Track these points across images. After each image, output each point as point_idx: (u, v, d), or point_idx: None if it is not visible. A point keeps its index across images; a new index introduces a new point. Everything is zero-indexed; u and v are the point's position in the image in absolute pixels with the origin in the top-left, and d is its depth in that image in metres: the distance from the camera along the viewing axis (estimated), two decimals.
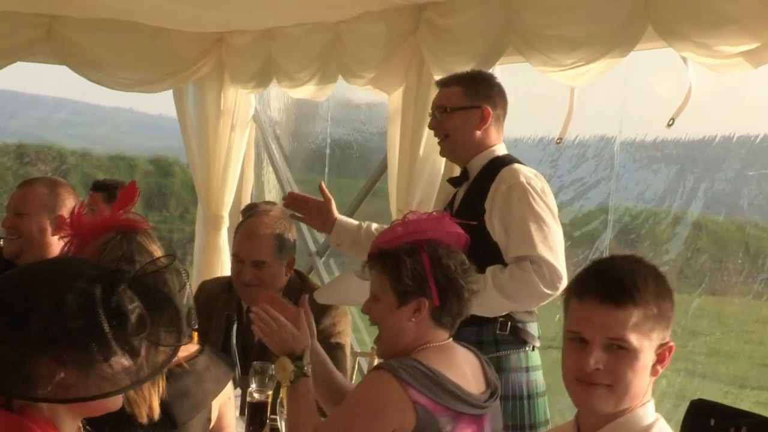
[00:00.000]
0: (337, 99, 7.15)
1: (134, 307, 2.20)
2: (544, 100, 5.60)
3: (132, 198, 3.30)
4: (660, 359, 2.68)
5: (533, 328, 4.22)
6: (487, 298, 3.91)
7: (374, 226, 4.70)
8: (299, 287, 4.62)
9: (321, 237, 7.28)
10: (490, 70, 5.18)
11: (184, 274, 2.42)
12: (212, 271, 7.23)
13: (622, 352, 2.61)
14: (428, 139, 5.49)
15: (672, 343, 2.72)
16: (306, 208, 4.72)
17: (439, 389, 3.19)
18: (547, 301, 4.11)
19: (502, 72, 5.44)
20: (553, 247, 4.02)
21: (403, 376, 3.15)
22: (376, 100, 6.55)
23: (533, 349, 4.20)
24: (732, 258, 4.14)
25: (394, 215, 5.73)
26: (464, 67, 5.17)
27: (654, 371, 2.68)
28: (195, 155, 7.51)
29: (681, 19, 4.13)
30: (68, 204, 4.82)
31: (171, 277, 2.34)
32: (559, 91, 5.02)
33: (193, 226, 7.94)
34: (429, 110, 4.49)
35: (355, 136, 7.36)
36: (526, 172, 4.15)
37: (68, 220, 3.26)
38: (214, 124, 7.41)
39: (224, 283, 4.78)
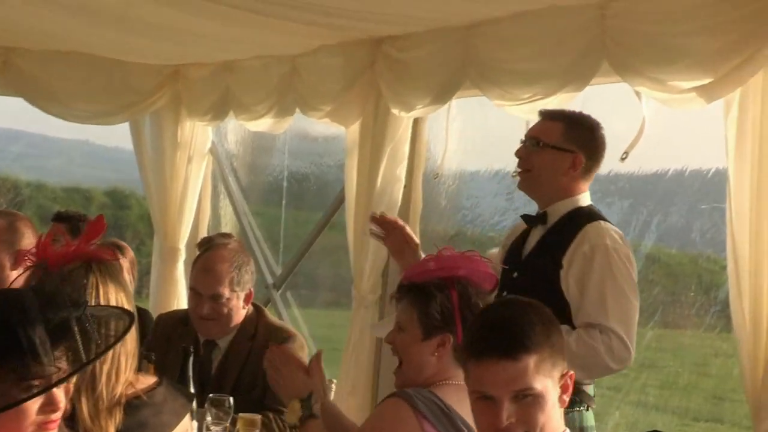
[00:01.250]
0: (295, 132, 7.16)
1: None
2: (500, 134, 5.63)
3: (100, 232, 3.28)
4: (564, 389, 2.76)
5: (590, 389, 4.06)
6: None
7: None
8: (255, 320, 4.60)
9: (278, 269, 7.28)
10: (447, 104, 5.23)
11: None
12: (169, 304, 7.20)
13: (529, 400, 2.67)
14: (385, 171, 5.52)
15: (572, 372, 2.78)
16: (392, 232, 4.46)
17: (451, 426, 3.21)
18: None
19: (459, 105, 5.50)
20: (627, 322, 3.88)
21: (420, 408, 3.19)
22: (334, 133, 6.57)
23: (588, 409, 4.03)
24: (685, 291, 4.18)
25: (352, 248, 5.75)
26: (422, 101, 5.21)
27: (562, 402, 2.76)
28: (152, 187, 7.48)
29: (636, 54, 4.17)
30: (27, 238, 4.77)
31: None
32: (515, 124, 5.05)
33: (150, 258, 7.91)
34: (521, 140, 4.25)
35: (313, 168, 7.37)
36: (612, 234, 3.99)
37: (34, 250, 3.23)
38: (170, 157, 7.39)
39: (181, 317, 4.75)
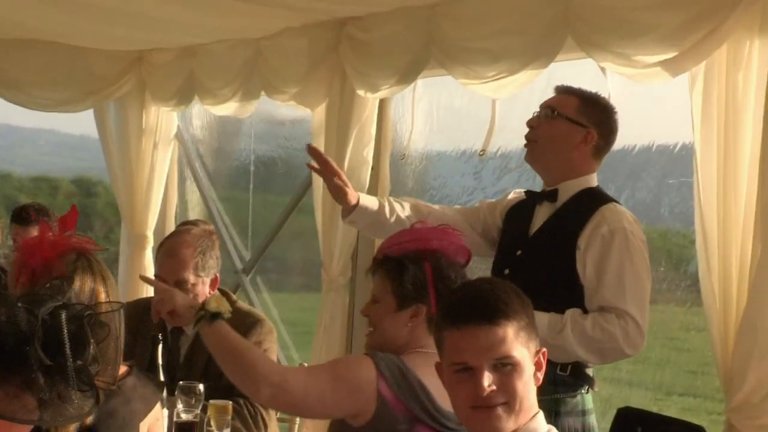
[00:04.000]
0: (261, 115, 7.11)
1: None
2: (466, 113, 5.61)
3: (75, 222, 3.25)
4: (538, 367, 2.75)
5: (590, 370, 3.99)
6: (562, 340, 3.76)
7: (402, 212, 4.33)
8: None
9: (247, 254, 7.25)
10: (413, 84, 5.21)
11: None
12: (138, 292, 7.15)
13: (508, 368, 2.67)
14: (352, 153, 5.50)
15: (544, 349, 2.78)
16: (326, 170, 4.33)
17: (407, 389, 3.26)
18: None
19: (425, 85, 5.48)
20: (642, 306, 3.83)
21: (381, 368, 3.26)
22: (300, 116, 6.53)
23: (587, 392, 3.98)
24: (655, 266, 4.18)
25: (321, 231, 5.73)
26: (387, 81, 5.20)
27: (536, 380, 2.75)
28: (118, 175, 7.44)
29: (599, 29, 4.17)
30: None
31: None
32: (481, 103, 5.03)
33: (118, 246, 7.86)
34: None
35: (280, 152, 7.32)
36: (628, 217, 3.92)
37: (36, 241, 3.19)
38: (136, 143, 7.34)
39: (147, 305, 4.69)
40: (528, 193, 4.22)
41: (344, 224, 4.68)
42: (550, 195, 4.08)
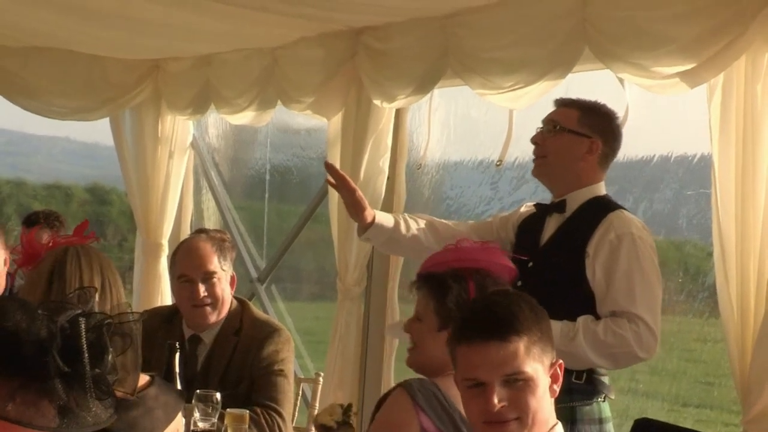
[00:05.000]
0: (276, 125, 7.13)
1: None
2: (483, 123, 5.62)
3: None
4: (554, 379, 2.75)
5: (606, 378, 3.98)
6: (575, 347, 3.75)
7: (417, 229, 4.34)
8: (240, 314, 4.56)
9: (262, 263, 7.26)
10: (429, 94, 5.21)
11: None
12: (153, 300, 7.17)
13: (520, 384, 2.66)
14: (368, 163, 5.50)
15: (561, 361, 2.77)
16: (343, 187, 4.32)
17: (447, 419, 3.22)
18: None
19: (441, 95, 5.48)
20: (654, 310, 3.83)
21: (419, 401, 3.21)
22: (316, 125, 6.54)
23: (604, 400, 3.95)
24: (672, 277, 4.17)
25: (336, 240, 5.73)
26: (403, 91, 5.20)
27: (552, 392, 2.74)
28: (133, 183, 7.44)
29: (617, 40, 4.17)
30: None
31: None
32: (498, 113, 5.04)
33: (132, 254, 7.87)
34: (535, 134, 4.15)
35: (295, 161, 7.34)
36: (636, 223, 3.94)
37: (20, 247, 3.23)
38: (152, 152, 7.35)
39: (164, 314, 4.70)
40: (537, 205, 4.23)
41: (360, 241, 4.66)
42: (558, 206, 4.10)
